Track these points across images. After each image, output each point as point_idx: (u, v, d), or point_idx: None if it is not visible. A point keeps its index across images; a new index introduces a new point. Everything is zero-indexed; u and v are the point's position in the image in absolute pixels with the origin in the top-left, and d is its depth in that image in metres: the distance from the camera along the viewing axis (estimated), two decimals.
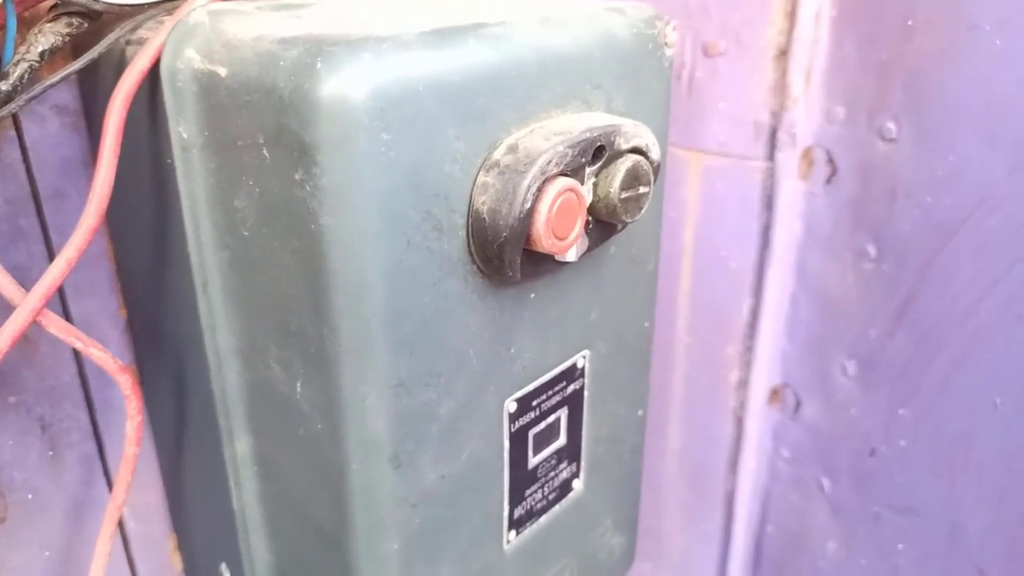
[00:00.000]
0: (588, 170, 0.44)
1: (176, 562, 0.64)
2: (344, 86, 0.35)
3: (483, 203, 0.41)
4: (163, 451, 0.61)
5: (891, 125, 0.65)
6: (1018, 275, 0.60)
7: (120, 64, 0.46)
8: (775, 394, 0.81)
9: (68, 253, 0.41)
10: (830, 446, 0.77)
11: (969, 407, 0.65)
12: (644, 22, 0.50)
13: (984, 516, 0.67)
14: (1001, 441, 0.64)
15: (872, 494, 0.75)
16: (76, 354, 0.55)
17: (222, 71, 0.39)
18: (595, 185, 0.45)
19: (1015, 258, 0.60)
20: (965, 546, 0.69)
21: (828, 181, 0.71)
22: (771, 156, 0.72)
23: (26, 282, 0.44)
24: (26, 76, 0.43)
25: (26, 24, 0.45)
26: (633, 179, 0.46)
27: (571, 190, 0.43)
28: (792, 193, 0.73)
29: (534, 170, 0.41)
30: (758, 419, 0.82)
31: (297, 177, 0.38)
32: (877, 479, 0.74)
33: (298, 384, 0.43)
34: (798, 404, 0.79)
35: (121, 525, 0.60)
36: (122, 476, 0.51)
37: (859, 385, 0.73)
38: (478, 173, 0.41)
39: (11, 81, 0.42)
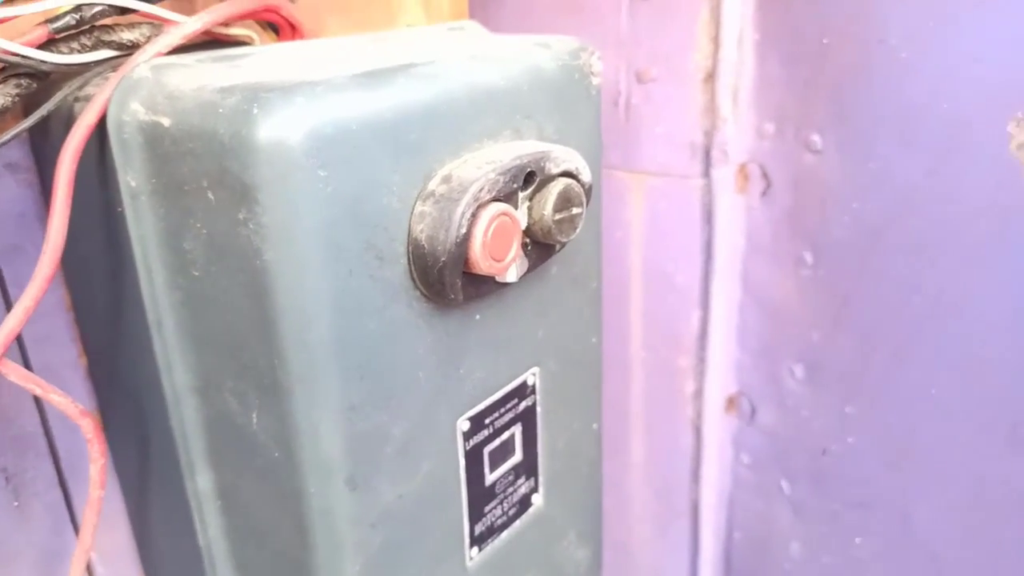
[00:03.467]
0: (521, 195, 0.47)
1: None
2: (280, 129, 0.38)
3: (421, 231, 0.44)
4: (129, 493, 0.61)
5: (816, 138, 0.69)
6: (943, 270, 0.64)
7: (69, 120, 0.48)
8: (731, 402, 0.83)
9: (25, 302, 0.43)
10: (787, 449, 0.80)
11: (909, 400, 0.68)
12: (570, 54, 0.53)
13: (933, 503, 0.70)
14: (940, 430, 0.67)
15: (829, 492, 0.77)
16: (38, 404, 0.56)
17: (166, 121, 0.42)
18: (529, 208, 0.48)
19: (938, 254, 0.63)
20: (918, 534, 0.72)
21: (764, 194, 0.74)
22: (707, 173, 0.75)
23: None
24: None
25: None
26: (565, 201, 0.49)
27: (504, 214, 0.45)
28: (731, 207, 0.76)
29: (467, 197, 0.43)
30: (716, 428, 0.84)
31: (241, 216, 0.40)
32: (832, 477, 0.76)
33: (254, 415, 0.45)
34: (753, 410, 0.82)
35: (89, 569, 0.61)
36: (88, 520, 0.52)
37: (807, 388, 0.76)
38: (415, 203, 0.44)
39: None
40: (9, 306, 0.54)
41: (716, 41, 0.71)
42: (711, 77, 0.73)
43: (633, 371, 0.87)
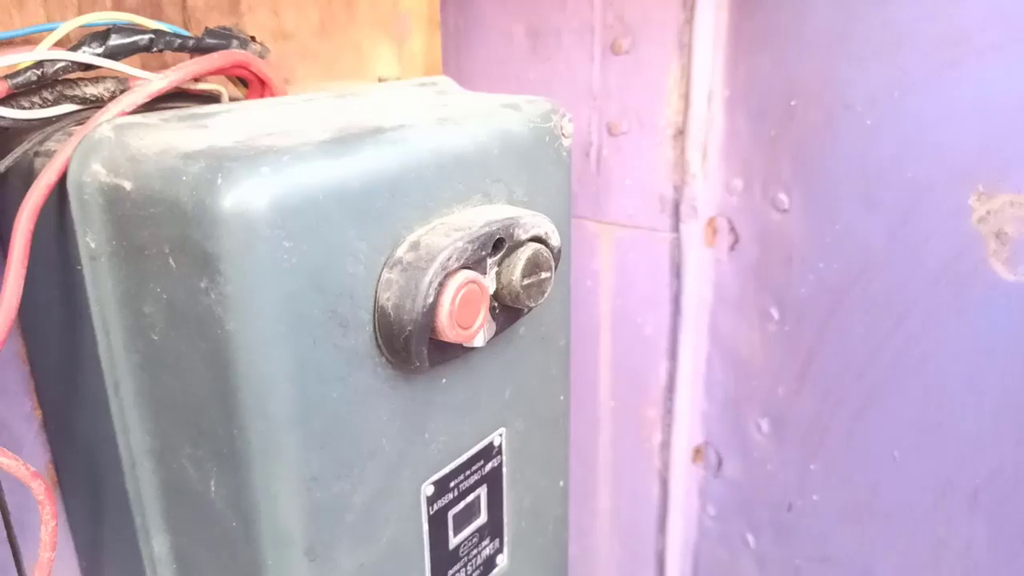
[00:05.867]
0: (490, 260, 0.47)
1: None
2: (243, 199, 0.37)
3: (388, 299, 0.43)
4: (83, 551, 0.60)
5: (783, 196, 0.70)
6: (904, 333, 0.64)
7: (29, 175, 0.47)
8: (698, 452, 0.83)
9: None
10: (752, 502, 0.80)
11: (871, 459, 0.69)
12: (540, 116, 0.53)
13: (894, 562, 0.70)
14: (903, 491, 0.68)
15: (792, 547, 0.77)
16: None
17: (127, 184, 0.41)
18: (498, 274, 0.48)
19: (900, 317, 0.64)
20: None
21: (732, 248, 0.75)
22: (676, 227, 0.76)
23: None
24: None
25: None
26: (534, 266, 0.49)
27: (473, 282, 0.45)
28: (699, 260, 0.76)
29: (435, 266, 0.43)
30: (683, 478, 0.84)
31: (202, 285, 0.39)
32: (796, 532, 0.76)
33: (211, 482, 0.44)
34: (720, 462, 0.82)
35: None
36: None
37: (773, 442, 0.76)
38: (382, 270, 0.43)
39: None
40: None
41: (686, 98, 0.72)
42: (681, 133, 0.73)
43: (601, 420, 0.87)
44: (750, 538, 0.81)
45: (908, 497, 0.68)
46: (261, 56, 0.53)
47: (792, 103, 0.67)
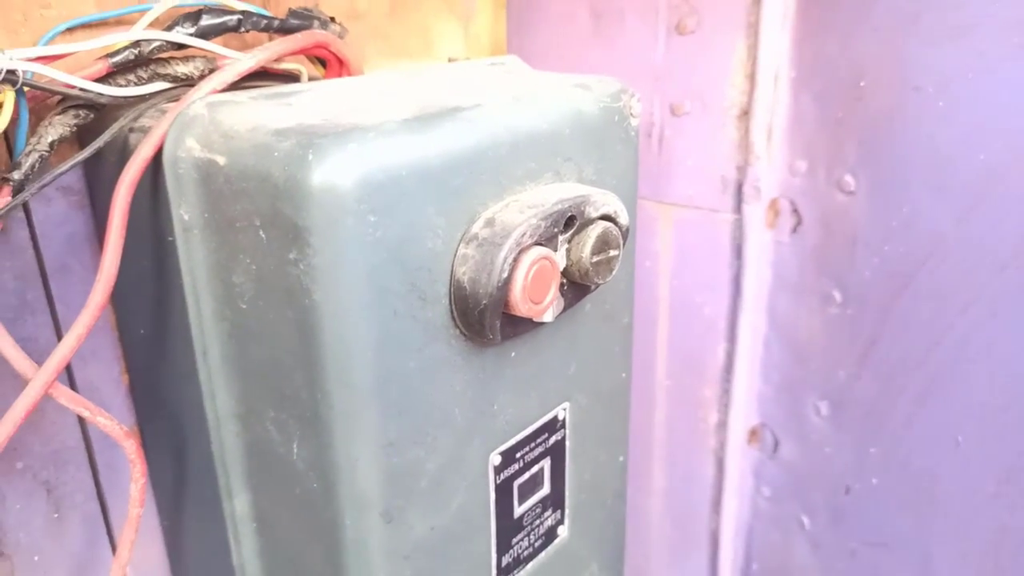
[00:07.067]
0: (561, 237, 0.48)
1: None
2: (333, 175, 0.39)
3: (464, 273, 0.45)
4: (164, 509, 0.63)
5: (849, 178, 0.69)
6: (970, 319, 0.64)
7: (124, 149, 0.49)
8: (754, 434, 0.84)
9: (78, 329, 0.44)
10: (808, 484, 0.80)
11: (932, 444, 0.69)
12: (610, 96, 0.54)
13: (952, 548, 0.70)
14: (962, 477, 0.67)
15: (848, 530, 0.77)
16: (80, 419, 0.58)
17: (221, 160, 0.43)
18: (568, 251, 0.49)
19: (966, 303, 0.64)
20: None
21: (794, 230, 0.75)
22: (738, 208, 0.76)
23: (33, 352, 0.47)
24: (36, 165, 0.47)
25: (36, 115, 0.48)
26: (603, 244, 0.50)
27: (545, 259, 0.46)
28: (760, 242, 0.76)
29: (510, 242, 0.44)
30: (738, 459, 0.84)
31: (291, 256, 0.41)
32: (852, 516, 0.77)
33: (294, 445, 0.46)
34: (776, 443, 0.82)
35: None
36: (126, 536, 0.53)
37: (831, 425, 0.76)
38: (458, 245, 0.45)
39: (23, 171, 0.46)
40: (57, 324, 0.55)
41: (752, 78, 0.72)
42: (746, 113, 0.73)
43: (657, 399, 0.88)
44: (805, 520, 0.81)
45: (970, 484, 0.67)
46: (340, 36, 0.55)
47: (861, 84, 0.67)
